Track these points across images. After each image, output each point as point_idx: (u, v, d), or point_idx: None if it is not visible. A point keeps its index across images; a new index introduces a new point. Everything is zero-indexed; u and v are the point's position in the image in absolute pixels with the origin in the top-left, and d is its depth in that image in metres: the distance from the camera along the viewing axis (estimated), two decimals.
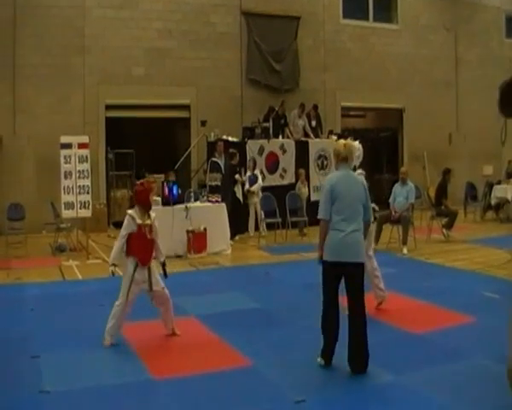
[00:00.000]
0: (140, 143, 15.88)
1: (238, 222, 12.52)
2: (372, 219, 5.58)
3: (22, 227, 11.76)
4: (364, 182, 5.31)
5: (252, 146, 13.96)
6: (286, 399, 4.45)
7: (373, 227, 6.78)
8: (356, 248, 4.91)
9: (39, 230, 12.98)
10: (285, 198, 12.86)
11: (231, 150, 12.88)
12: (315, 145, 14.90)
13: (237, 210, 12.53)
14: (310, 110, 15.59)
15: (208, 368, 5.10)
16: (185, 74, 15.55)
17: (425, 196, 14.37)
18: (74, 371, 5.07)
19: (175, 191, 10.81)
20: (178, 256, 10.51)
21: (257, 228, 12.97)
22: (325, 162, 14.85)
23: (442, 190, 12.17)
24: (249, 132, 14.31)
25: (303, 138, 15.06)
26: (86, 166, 10.79)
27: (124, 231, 5.80)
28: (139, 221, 5.78)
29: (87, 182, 10.78)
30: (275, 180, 14.15)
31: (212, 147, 13.62)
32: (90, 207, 10.90)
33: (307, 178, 14.26)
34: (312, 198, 13.80)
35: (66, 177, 10.62)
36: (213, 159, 12.77)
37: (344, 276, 4.92)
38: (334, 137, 13.68)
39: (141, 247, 5.76)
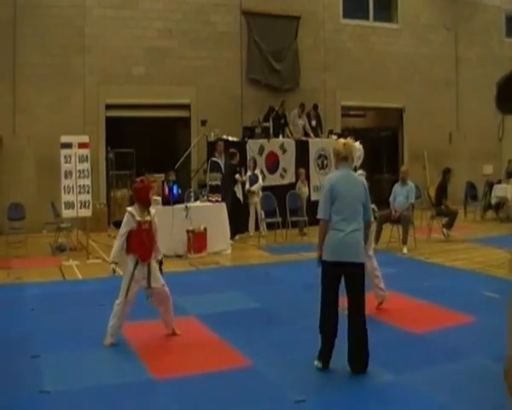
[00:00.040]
0: (140, 142, 15.87)
1: (238, 222, 12.52)
2: (372, 218, 5.57)
3: (22, 227, 11.77)
4: (365, 182, 5.29)
5: (252, 146, 13.96)
6: (286, 399, 4.45)
7: (373, 227, 6.77)
8: (356, 248, 4.91)
9: (39, 229, 12.98)
10: (285, 198, 12.87)
11: (231, 150, 12.88)
12: (315, 145, 14.90)
13: (237, 210, 12.54)
14: (310, 110, 15.58)
15: (208, 368, 5.10)
16: (185, 74, 15.55)
17: (425, 195, 14.37)
18: (74, 371, 5.07)
19: (175, 191, 10.82)
20: (178, 256, 10.52)
21: (257, 228, 12.97)
22: (325, 162, 14.84)
23: (442, 190, 12.17)
24: (249, 132, 14.31)
25: (303, 138, 15.05)
26: (86, 165, 10.79)
27: (123, 229, 5.80)
28: (139, 218, 5.78)
29: (87, 181, 10.78)
30: (275, 180, 14.14)
31: (212, 147, 13.61)
32: (91, 206, 10.91)
33: (307, 177, 14.26)
34: (312, 198, 13.79)
35: (66, 176, 10.62)
36: (213, 158, 12.77)
37: (344, 276, 4.91)
38: (335, 137, 13.66)
39: (141, 243, 5.75)
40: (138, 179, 6.08)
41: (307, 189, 14.02)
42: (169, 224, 10.07)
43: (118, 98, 14.95)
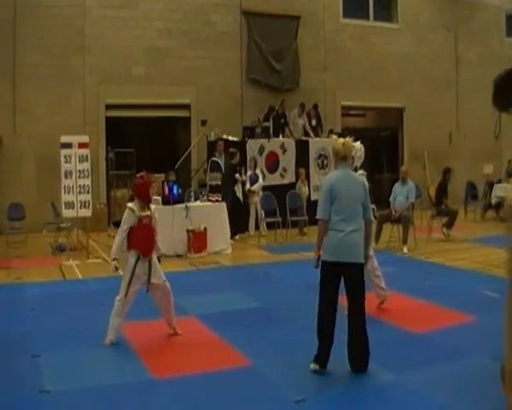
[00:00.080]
0: (140, 142, 15.87)
1: (238, 221, 12.53)
2: (373, 218, 5.56)
3: (22, 227, 11.76)
4: (366, 183, 5.27)
5: (252, 145, 13.96)
6: (286, 398, 4.45)
7: (373, 227, 6.77)
8: (355, 249, 4.88)
9: (39, 229, 12.98)
10: (285, 197, 12.87)
11: (231, 150, 12.89)
12: (315, 144, 14.89)
13: (237, 209, 12.54)
14: (310, 109, 15.58)
15: (208, 368, 5.10)
16: (185, 74, 15.54)
17: (425, 195, 14.36)
18: (74, 371, 5.07)
19: (175, 191, 10.82)
20: (179, 256, 10.52)
21: (257, 227, 12.97)
22: (325, 162, 14.84)
23: (442, 190, 12.17)
24: (249, 132, 14.32)
25: (303, 138, 15.06)
26: (86, 165, 10.79)
27: (124, 226, 5.80)
28: (139, 213, 5.77)
29: (87, 181, 10.78)
30: (275, 179, 14.14)
31: (212, 146, 13.62)
32: (91, 206, 10.91)
33: (307, 177, 14.26)
34: (312, 197, 13.77)
35: (66, 176, 10.62)
36: (213, 158, 12.77)
37: (344, 276, 4.89)
38: (335, 137, 13.66)
39: (142, 239, 5.75)
40: (138, 175, 6.07)
41: (307, 188, 14.02)
42: (169, 223, 10.07)
43: (118, 98, 14.95)
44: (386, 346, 5.46)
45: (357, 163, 6.29)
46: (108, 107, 15.03)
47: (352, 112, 19.12)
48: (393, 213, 10.99)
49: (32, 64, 14.12)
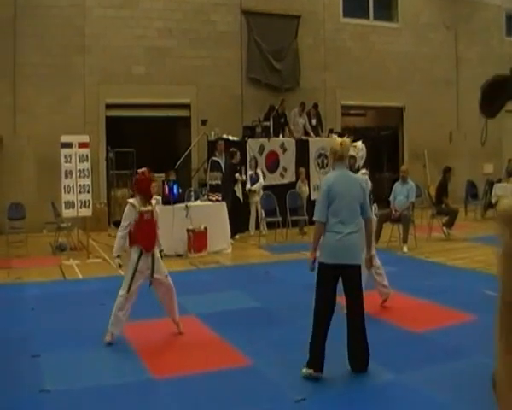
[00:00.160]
0: (140, 142, 15.86)
1: (238, 221, 12.52)
2: (374, 216, 5.54)
3: (23, 226, 11.75)
4: (369, 182, 5.26)
5: (252, 145, 13.96)
6: (286, 398, 4.45)
7: (374, 224, 6.76)
8: (353, 251, 4.84)
9: (40, 229, 12.98)
10: (285, 197, 12.86)
11: (232, 149, 12.88)
12: (315, 144, 14.88)
13: (237, 209, 12.54)
14: (310, 109, 15.56)
15: (208, 367, 5.10)
16: (185, 73, 15.54)
17: (425, 194, 14.35)
18: (74, 371, 5.07)
19: (175, 190, 10.81)
20: (179, 255, 10.52)
21: (257, 227, 12.97)
22: (325, 161, 14.80)
23: (442, 189, 12.17)
24: (249, 131, 14.31)
25: (303, 137, 15.04)
26: (87, 165, 10.78)
27: (125, 221, 5.80)
28: (140, 209, 5.77)
29: (87, 181, 10.78)
30: (275, 179, 14.14)
31: (212, 146, 13.61)
32: (91, 206, 10.91)
33: (307, 176, 14.25)
34: (313, 197, 13.75)
35: (66, 176, 10.62)
36: (214, 158, 12.77)
37: (342, 277, 4.86)
38: (335, 136, 13.66)
39: (144, 234, 5.76)
40: (139, 171, 6.06)
41: (307, 188, 14.01)
42: (169, 223, 10.06)
43: (118, 98, 14.94)
44: (386, 345, 5.46)
45: (360, 163, 6.28)
46: (108, 106, 15.02)
47: (352, 111, 19.12)
48: (393, 212, 10.98)
49: (32, 64, 14.11)
